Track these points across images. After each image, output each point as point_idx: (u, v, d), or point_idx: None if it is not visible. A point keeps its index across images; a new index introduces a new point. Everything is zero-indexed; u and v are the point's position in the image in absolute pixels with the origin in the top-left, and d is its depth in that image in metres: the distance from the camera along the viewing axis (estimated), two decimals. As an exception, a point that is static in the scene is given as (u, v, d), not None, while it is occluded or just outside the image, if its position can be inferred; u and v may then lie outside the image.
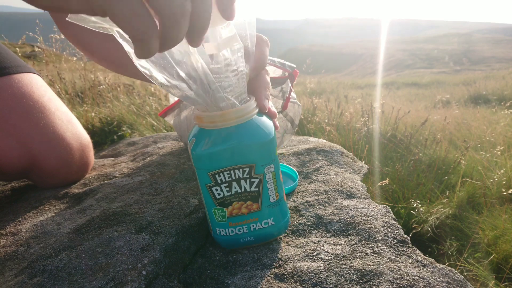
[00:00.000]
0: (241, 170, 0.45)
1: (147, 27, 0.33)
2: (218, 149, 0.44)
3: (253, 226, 0.49)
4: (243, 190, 0.47)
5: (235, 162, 0.45)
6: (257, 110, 0.47)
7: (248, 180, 0.46)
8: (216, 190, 0.46)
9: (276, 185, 0.48)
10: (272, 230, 0.50)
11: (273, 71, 0.74)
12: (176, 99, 0.84)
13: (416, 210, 1.51)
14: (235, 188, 0.46)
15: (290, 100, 0.77)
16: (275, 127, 0.51)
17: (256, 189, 0.47)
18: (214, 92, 0.43)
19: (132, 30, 0.33)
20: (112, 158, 0.96)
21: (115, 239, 0.52)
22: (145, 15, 0.33)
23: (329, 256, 0.48)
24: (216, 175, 0.45)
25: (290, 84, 0.75)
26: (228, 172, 0.45)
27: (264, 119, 0.48)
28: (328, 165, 0.77)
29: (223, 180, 0.46)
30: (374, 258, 0.48)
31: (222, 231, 0.49)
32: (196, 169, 0.47)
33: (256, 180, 0.46)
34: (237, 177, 0.46)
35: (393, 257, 0.48)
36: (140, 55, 0.35)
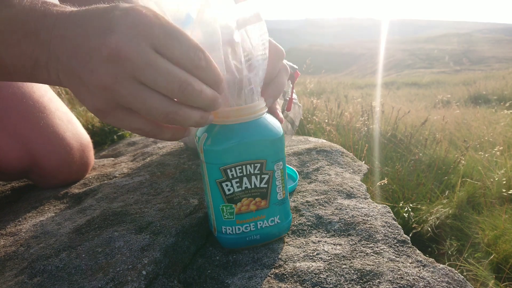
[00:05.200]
0: (252, 165, 0.46)
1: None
2: (232, 144, 0.45)
3: (260, 224, 0.49)
4: (253, 186, 0.47)
5: (248, 157, 0.46)
6: (267, 108, 0.48)
7: (258, 176, 0.47)
8: (227, 185, 0.47)
9: (283, 182, 0.49)
10: (277, 228, 0.51)
11: None
12: None
13: (410, 210, 1.51)
14: (245, 183, 0.47)
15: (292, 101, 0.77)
16: (280, 120, 0.53)
17: (266, 186, 0.48)
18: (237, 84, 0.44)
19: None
20: (112, 158, 0.97)
21: (115, 239, 0.52)
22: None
23: (329, 256, 0.48)
24: (228, 170, 0.46)
25: (291, 85, 0.75)
26: (240, 167, 0.46)
27: (273, 117, 0.49)
28: (328, 165, 0.77)
29: (235, 175, 0.46)
30: (374, 258, 0.48)
31: (229, 229, 0.49)
32: (206, 164, 0.47)
33: (266, 176, 0.47)
34: (248, 172, 0.46)
35: (393, 257, 0.48)
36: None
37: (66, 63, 0.37)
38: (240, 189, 0.47)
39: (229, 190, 0.47)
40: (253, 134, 0.45)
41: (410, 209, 1.49)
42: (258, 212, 0.48)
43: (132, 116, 0.39)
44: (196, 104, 0.38)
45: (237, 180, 0.46)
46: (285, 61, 0.76)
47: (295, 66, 0.75)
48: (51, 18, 0.38)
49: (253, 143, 0.45)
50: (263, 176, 0.47)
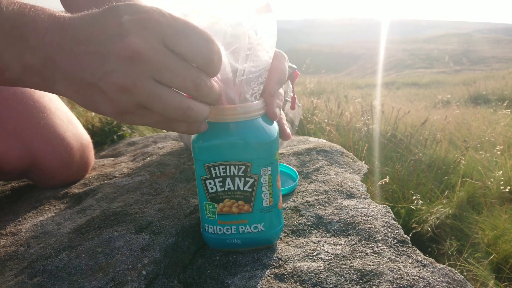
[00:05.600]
0: (236, 166, 0.45)
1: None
2: (217, 142, 0.45)
3: (241, 228, 0.48)
4: (236, 188, 0.46)
5: (232, 157, 0.45)
6: (263, 112, 0.47)
7: (242, 179, 0.46)
8: (210, 183, 0.46)
9: (271, 189, 0.47)
10: (261, 236, 0.49)
11: None
12: None
13: (416, 205, 1.51)
14: (228, 184, 0.46)
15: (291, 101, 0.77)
16: (287, 136, 0.51)
17: (250, 190, 0.46)
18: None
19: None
20: (112, 158, 0.97)
21: (115, 239, 0.52)
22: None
23: (329, 256, 0.48)
24: (212, 168, 0.45)
25: (290, 85, 0.75)
26: (224, 166, 0.45)
27: (269, 121, 0.48)
28: (328, 165, 0.77)
29: (218, 174, 0.46)
30: (374, 258, 0.48)
31: (211, 228, 0.48)
32: (194, 161, 0.47)
33: (251, 180, 0.46)
34: (232, 173, 0.46)
35: (393, 257, 0.48)
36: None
37: (70, 72, 0.37)
38: (222, 189, 0.46)
39: (212, 188, 0.46)
40: (239, 134, 0.44)
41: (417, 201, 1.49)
42: (241, 216, 0.47)
43: (150, 112, 0.39)
44: (206, 98, 0.40)
45: (220, 179, 0.46)
46: None
47: (293, 66, 0.74)
48: (42, 24, 0.38)
49: (238, 144, 0.44)
50: (247, 179, 0.46)
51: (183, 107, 0.38)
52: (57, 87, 0.39)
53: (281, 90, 0.54)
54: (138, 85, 0.36)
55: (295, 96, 0.75)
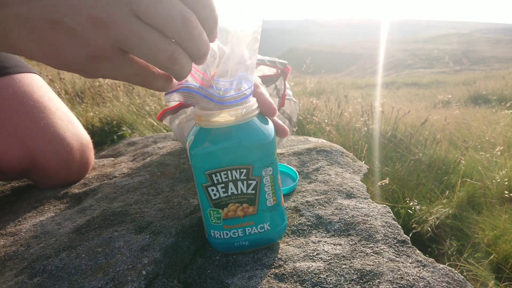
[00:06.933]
0: (238, 171, 0.45)
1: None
2: (216, 148, 0.44)
3: (248, 230, 0.48)
4: (239, 192, 0.46)
5: (233, 162, 0.44)
6: (257, 112, 0.46)
7: (245, 182, 0.45)
8: (212, 190, 0.46)
9: (273, 189, 0.47)
10: (267, 235, 0.49)
11: (268, 69, 0.74)
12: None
13: (413, 209, 1.51)
14: (231, 189, 0.46)
15: (286, 97, 0.77)
16: (285, 132, 0.50)
17: (253, 192, 0.46)
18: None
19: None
20: (112, 158, 0.97)
21: (115, 239, 0.52)
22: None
23: (329, 256, 0.48)
24: (213, 175, 0.45)
25: (283, 81, 0.75)
26: (225, 172, 0.45)
27: (264, 121, 0.47)
28: (328, 165, 0.77)
29: (220, 180, 0.45)
30: (374, 258, 0.48)
31: (217, 233, 0.48)
32: (193, 168, 0.46)
33: (253, 182, 0.46)
34: (234, 178, 0.45)
35: (393, 257, 0.48)
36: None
37: (25, 12, 0.31)
38: (226, 194, 0.46)
39: (215, 195, 0.46)
40: (238, 138, 0.44)
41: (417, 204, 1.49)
42: (246, 218, 0.47)
43: (128, 60, 0.34)
44: (195, 46, 0.35)
45: (223, 185, 0.45)
46: (273, 59, 0.76)
47: (284, 62, 0.75)
48: None
49: (237, 148, 0.44)
50: (250, 182, 0.46)
51: (170, 50, 0.33)
52: (10, 38, 0.32)
53: (264, 89, 0.53)
54: (116, 17, 0.30)
55: (285, 93, 0.76)
